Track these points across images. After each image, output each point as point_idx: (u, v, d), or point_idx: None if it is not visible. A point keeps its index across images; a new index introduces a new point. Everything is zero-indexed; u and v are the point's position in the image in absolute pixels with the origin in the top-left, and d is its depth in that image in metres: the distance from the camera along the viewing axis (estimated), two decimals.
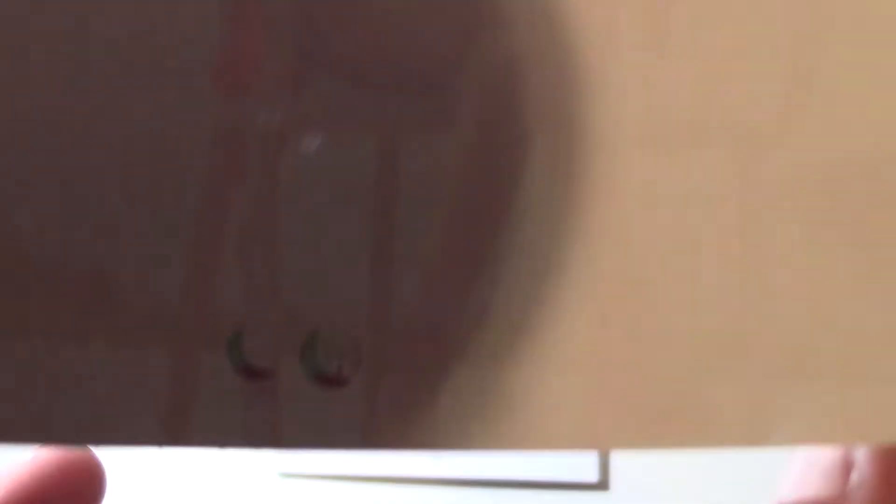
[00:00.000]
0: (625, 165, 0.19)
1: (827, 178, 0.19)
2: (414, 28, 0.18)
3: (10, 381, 0.17)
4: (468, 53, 0.18)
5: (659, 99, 0.19)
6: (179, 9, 0.17)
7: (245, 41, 0.18)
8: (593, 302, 0.18)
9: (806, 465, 0.22)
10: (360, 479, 1.21)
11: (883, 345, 0.19)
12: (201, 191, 0.17)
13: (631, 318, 0.19)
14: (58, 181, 0.17)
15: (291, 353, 0.17)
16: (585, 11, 0.18)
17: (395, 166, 0.18)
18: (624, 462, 1.21)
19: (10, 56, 0.17)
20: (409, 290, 0.18)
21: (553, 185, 0.18)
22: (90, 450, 0.20)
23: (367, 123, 0.18)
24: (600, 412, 0.19)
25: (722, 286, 0.19)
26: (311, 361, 0.17)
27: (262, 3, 0.18)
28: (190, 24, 0.18)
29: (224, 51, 0.18)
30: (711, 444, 0.19)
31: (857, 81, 0.20)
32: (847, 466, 0.22)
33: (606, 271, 0.19)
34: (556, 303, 0.18)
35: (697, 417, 0.19)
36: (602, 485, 1.21)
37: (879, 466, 0.22)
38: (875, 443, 0.22)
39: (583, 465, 1.20)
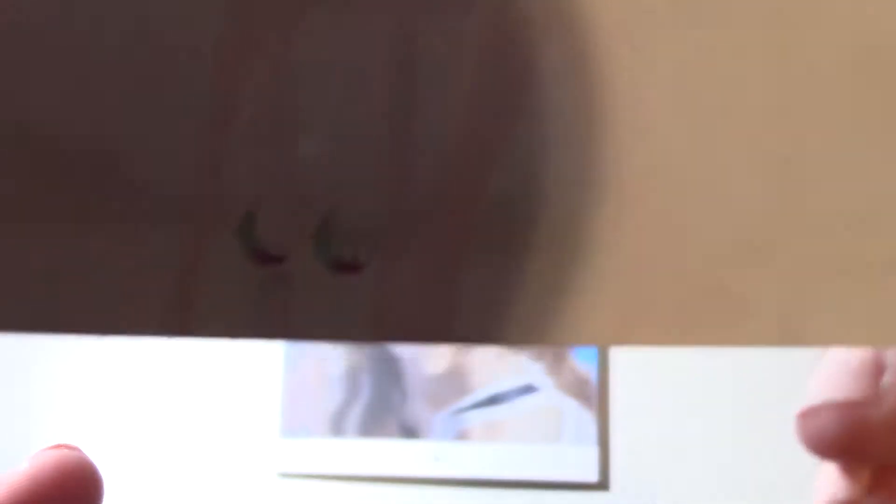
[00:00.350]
0: (649, 46, 0.18)
1: (866, 60, 0.19)
2: None
3: (11, 267, 0.16)
4: None
5: None
6: None
7: None
8: (621, 191, 0.18)
9: (835, 366, 0.22)
10: (360, 479, 1.20)
11: None
12: (213, 66, 0.17)
13: (661, 208, 0.18)
14: (64, 57, 0.17)
15: (305, 237, 0.17)
16: None
17: (413, 46, 0.17)
18: (624, 462, 1.21)
19: None
20: (427, 174, 0.17)
21: (573, 67, 0.18)
22: (87, 454, 0.19)
23: (386, 3, 0.17)
24: (630, 306, 0.18)
25: (755, 174, 0.18)
26: (326, 246, 0.17)
27: None
28: None
29: None
30: (743, 341, 0.18)
31: None
32: (878, 368, 0.21)
33: (634, 159, 0.18)
34: (581, 192, 0.18)
35: (729, 312, 0.18)
36: (602, 485, 1.20)
37: None
38: None
39: (583, 465, 1.20)
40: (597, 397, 1.21)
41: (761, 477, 1.19)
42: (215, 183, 0.17)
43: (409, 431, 1.21)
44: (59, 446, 0.19)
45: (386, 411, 1.22)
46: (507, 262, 0.17)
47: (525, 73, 0.17)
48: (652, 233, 0.18)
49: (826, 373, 0.22)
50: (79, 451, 0.19)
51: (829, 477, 0.22)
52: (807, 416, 0.21)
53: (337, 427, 1.21)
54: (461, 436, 1.21)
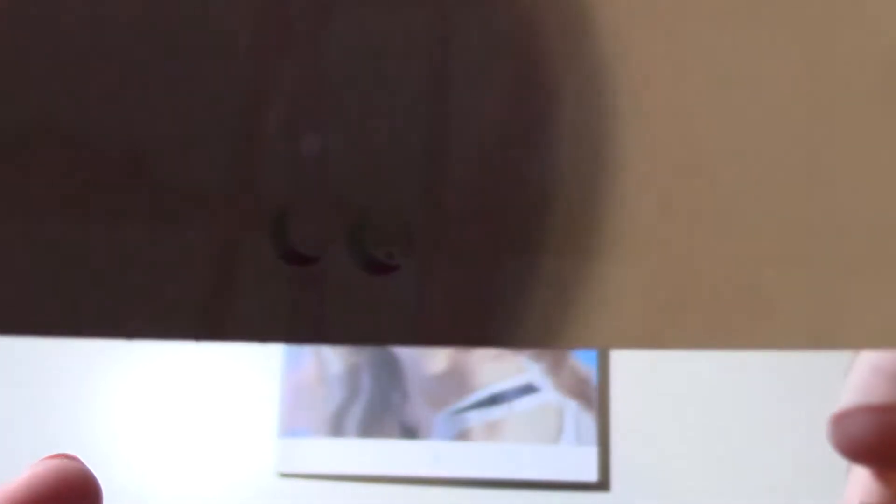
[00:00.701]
0: (683, 43, 0.18)
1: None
2: None
3: (41, 268, 0.16)
4: None
5: None
6: None
7: None
8: (653, 190, 0.17)
9: (870, 369, 0.21)
10: (360, 479, 1.20)
11: None
12: (245, 64, 0.16)
13: (692, 206, 0.18)
14: (96, 56, 0.16)
15: (339, 237, 0.16)
16: None
17: (449, 42, 0.17)
18: (624, 462, 1.21)
19: None
20: (463, 173, 0.17)
21: (608, 63, 0.17)
22: (84, 464, 0.19)
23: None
24: (662, 307, 0.18)
25: (789, 173, 0.18)
26: (360, 246, 0.16)
27: None
28: None
29: None
30: (773, 345, 0.18)
31: None
32: None
33: (666, 157, 0.18)
34: (616, 191, 0.17)
35: (761, 313, 0.18)
36: (602, 485, 1.20)
37: None
38: None
39: (583, 465, 1.19)
40: (597, 397, 1.21)
41: (762, 477, 1.18)
42: (248, 183, 0.16)
43: (409, 431, 1.21)
44: (57, 456, 0.19)
45: (386, 411, 1.22)
46: (540, 263, 0.17)
47: (560, 73, 0.17)
48: (682, 235, 0.18)
49: (859, 375, 0.22)
50: (77, 460, 0.19)
51: (861, 481, 0.22)
52: (840, 419, 0.21)
53: (337, 427, 1.21)
54: (461, 436, 1.21)
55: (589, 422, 1.20)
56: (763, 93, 0.18)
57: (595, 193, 0.17)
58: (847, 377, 0.22)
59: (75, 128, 0.16)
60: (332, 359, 1.23)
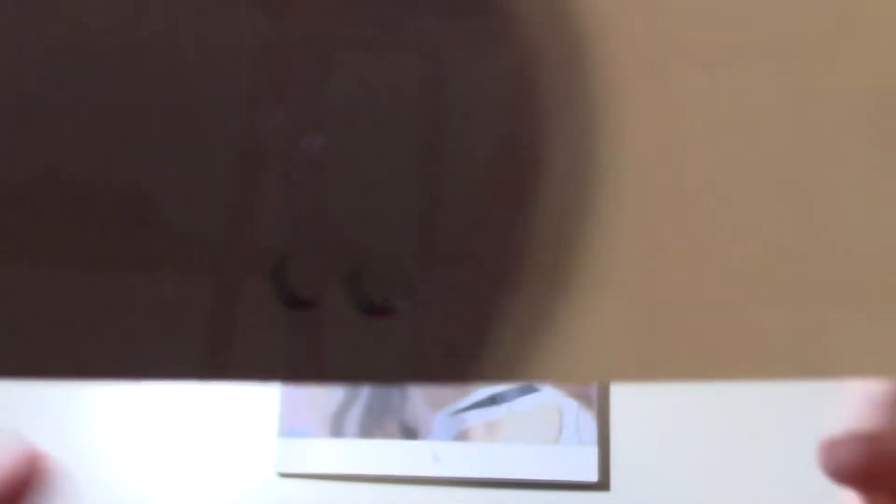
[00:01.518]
0: (669, 83, 0.18)
1: (882, 99, 0.19)
2: None
3: (45, 313, 0.16)
4: None
5: (702, 12, 0.18)
6: None
7: None
8: (643, 228, 0.18)
9: (858, 396, 0.22)
10: (360, 478, 1.20)
11: None
12: (245, 111, 0.17)
13: (682, 243, 0.18)
14: (99, 103, 0.17)
15: (337, 282, 0.17)
16: None
17: (442, 90, 0.17)
18: (624, 462, 1.21)
19: None
20: (456, 218, 0.17)
21: (598, 109, 0.18)
22: (27, 441, 0.20)
23: (415, 45, 0.17)
24: (654, 341, 0.18)
25: (775, 209, 0.18)
26: (358, 290, 0.17)
27: None
28: None
29: None
30: (765, 375, 0.18)
31: None
32: None
33: (656, 197, 0.18)
34: (606, 230, 0.18)
35: (751, 346, 0.18)
36: (602, 485, 1.20)
37: None
38: None
39: (583, 465, 1.20)
40: (597, 397, 1.22)
41: (762, 477, 1.19)
42: (248, 228, 0.17)
43: (409, 431, 1.21)
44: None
45: (386, 411, 1.22)
46: (532, 301, 0.17)
47: (550, 119, 0.17)
48: (671, 269, 0.18)
49: (848, 403, 0.22)
50: (18, 439, 0.20)
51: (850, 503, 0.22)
52: (829, 446, 0.22)
53: (337, 427, 1.21)
54: (461, 436, 1.21)
55: (589, 422, 1.21)
56: (750, 134, 0.18)
57: (585, 234, 0.18)
58: (837, 403, 0.23)
59: (78, 175, 0.17)
60: None
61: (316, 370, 0.17)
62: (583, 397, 1.21)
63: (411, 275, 0.17)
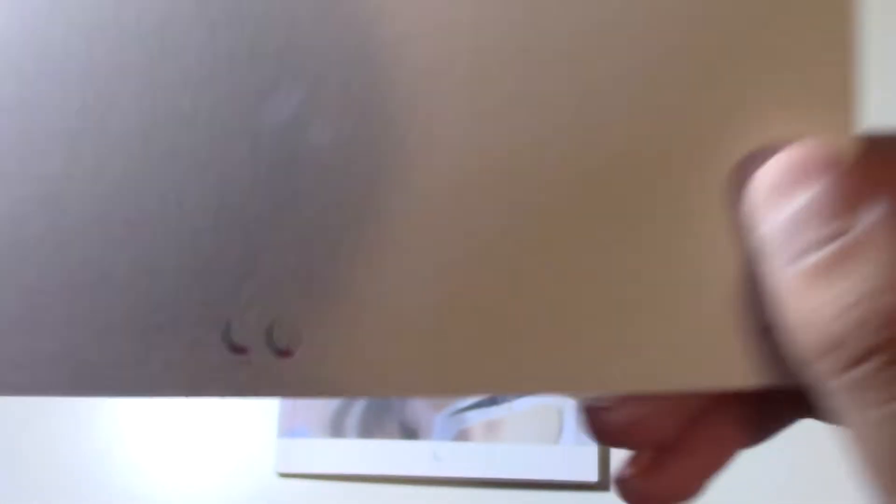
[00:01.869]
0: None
1: (597, 173, 0.24)
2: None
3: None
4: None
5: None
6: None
7: None
8: (403, 256, 0.25)
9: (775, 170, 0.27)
10: (360, 478, 1.21)
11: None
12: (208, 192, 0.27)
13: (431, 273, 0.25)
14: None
15: (260, 335, 0.25)
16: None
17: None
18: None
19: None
20: (318, 277, 0.25)
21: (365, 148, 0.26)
22: None
23: None
24: (413, 358, 0.25)
25: (510, 259, 0.25)
26: (272, 340, 0.25)
27: None
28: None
29: None
30: (535, 389, 0.24)
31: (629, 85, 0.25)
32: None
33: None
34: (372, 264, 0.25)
35: (519, 360, 0.24)
36: (602, 485, 1.20)
37: None
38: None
39: (583, 465, 1.20)
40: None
41: (762, 477, 1.19)
42: (206, 303, 0.25)
43: (409, 431, 1.21)
44: None
45: (386, 411, 1.22)
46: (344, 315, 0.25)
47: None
48: (426, 294, 0.25)
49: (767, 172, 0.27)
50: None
51: None
52: (592, 410, 0.31)
53: (337, 427, 1.22)
54: (461, 436, 1.21)
55: None
56: (478, 197, 0.26)
57: (355, 269, 0.25)
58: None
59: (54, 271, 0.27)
60: None
61: (250, 389, 0.26)
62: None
63: (302, 329, 0.25)
